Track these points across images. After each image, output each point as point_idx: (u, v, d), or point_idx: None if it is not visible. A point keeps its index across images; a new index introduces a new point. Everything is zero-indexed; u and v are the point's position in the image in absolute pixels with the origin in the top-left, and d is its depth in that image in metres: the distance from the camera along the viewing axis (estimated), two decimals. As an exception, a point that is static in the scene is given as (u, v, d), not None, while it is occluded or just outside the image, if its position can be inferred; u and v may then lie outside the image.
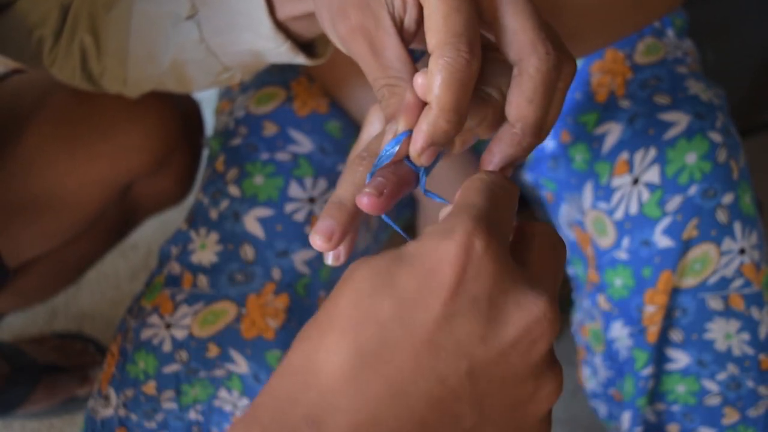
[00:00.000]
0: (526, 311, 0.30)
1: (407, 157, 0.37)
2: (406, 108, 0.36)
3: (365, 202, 0.36)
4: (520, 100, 0.37)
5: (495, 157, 0.38)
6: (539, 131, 0.38)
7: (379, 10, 0.38)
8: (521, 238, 0.35)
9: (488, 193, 0.33)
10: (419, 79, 0.36)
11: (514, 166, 0.39)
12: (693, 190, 0.65)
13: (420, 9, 0.37)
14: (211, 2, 0.53)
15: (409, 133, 0.37)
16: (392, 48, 0.37)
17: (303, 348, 0.30)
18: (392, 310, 0.29)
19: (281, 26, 0.52)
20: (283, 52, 0.53)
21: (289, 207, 0.71)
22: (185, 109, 0.84)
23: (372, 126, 0.45)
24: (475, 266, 0.29)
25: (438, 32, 0.34)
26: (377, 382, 0.29)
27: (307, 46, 0.55)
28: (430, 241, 0.30)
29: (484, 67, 0.39)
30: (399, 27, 0.38)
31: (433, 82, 0.34)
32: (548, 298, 0.30)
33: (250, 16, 0.51)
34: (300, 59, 0.54)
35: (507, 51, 0.37)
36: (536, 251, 0.34)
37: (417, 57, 0.38)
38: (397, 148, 0.37)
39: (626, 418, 0.73)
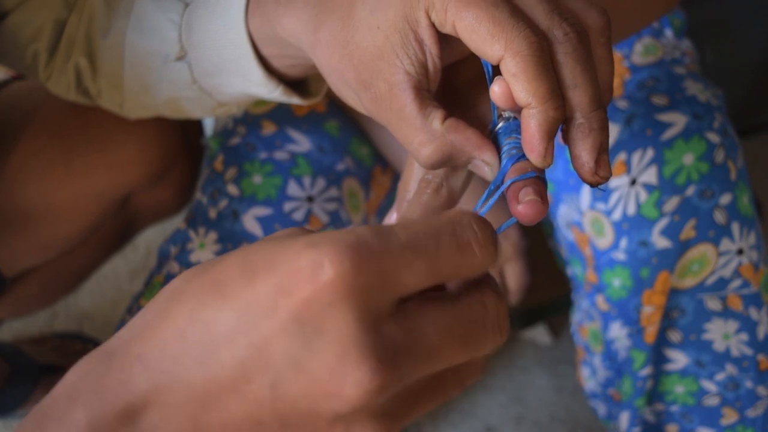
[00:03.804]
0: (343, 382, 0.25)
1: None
2: (479, 143, 0.36)
3: (532, 210, 0.34)
4: (565, 92, 0.35)
5: (581, 155, 0.36)
6: (598, 104, 0.36)
7: (389, 68, 0.37)
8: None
9: (429, 231, 0.27)
10: (496, 88, 0.35)
11: (606, 150, 0.36)
12: (690, 190, 0.65)
13: (440, 44, 0.37)
14: (200, 46, 0.53)
15: (521, 156, 0.35)
16: (410, 104, 0.36)
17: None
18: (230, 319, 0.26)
19: (273, 71, 0.51)
20: (276, 96, 0.52)
21: (287, 206, 0.71)
22: (184, 120, 0.84)
23: (414, 165, 0.43)
24: (312, 308, 0.25)
25: (496, 40, 0.33)
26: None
27: (300, 81, 0.54)
28: (303, 240, 0.26)
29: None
30: (422, 73, 0.37)
31: (519, 82, 0.33)
32: (378, 386, 0.25)
33: (240, 64, 0.51)
34: (294, 100, 0.53)
35: None
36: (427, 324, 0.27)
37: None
38: (510, 164, 0.35)
39: (625, 418, 0.73)
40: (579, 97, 0.35)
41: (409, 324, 0.26)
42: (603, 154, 0.36)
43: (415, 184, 0.40)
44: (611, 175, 0.36)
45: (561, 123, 0.35)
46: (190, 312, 0.27)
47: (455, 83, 0.41)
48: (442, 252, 0.27)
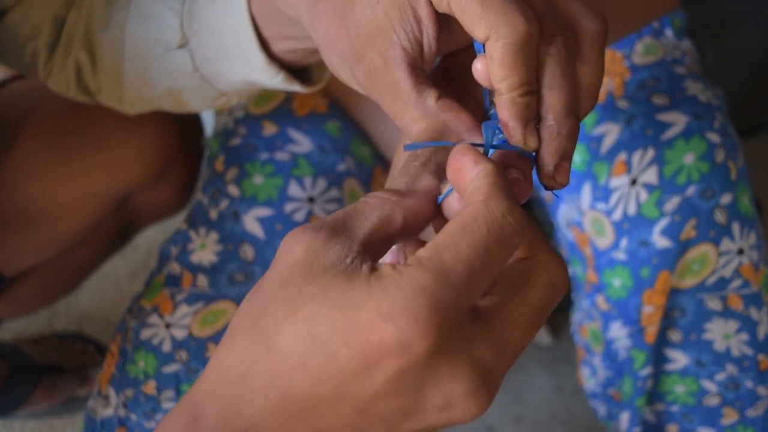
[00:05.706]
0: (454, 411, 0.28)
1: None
2: (471, 126, 0.36)
3: (516, 188, 0.34)
4: (542, 90, 0.35)
5: (543, 156, 0.36)
6: (571, 112, 0.36)
7: (386, 42, 0.36)
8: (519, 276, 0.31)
9: (479, 248, 0.29)
10: (478, 65, 0.35)
11: (569, 158, 0.36)
12: (691, 190, 0.65)
13: (438, 25, 0.37)
14: (202, 33, 0.53)
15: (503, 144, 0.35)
16: (404, 80, 0.36)
17: (241, 348, 0.29)
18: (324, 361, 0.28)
19: (275, 57, 0.51)
20: (277, 82, 0.52)
21: (288, 207, 0.71)
22: (184, 119, 0.84)
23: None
24: (409, 373, 0.27)
25: (484, 22, 0.33)
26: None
27: (302, 70, 0.54)
28: (372, 310, 0.27)
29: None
30: (417, 51, 0.37)
31: (495, 66, 0.34)
32: (488, 399, 0.28)
33: (241, 49, 0.51)
34: (296, 87, 0.53)
35: None
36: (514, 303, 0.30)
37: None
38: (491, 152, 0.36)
39: (625, 418, 0.73)
40: (553, 99, 0.35)
41: (495, 333, 0.29)
42: (565, 161, 0.36)
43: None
44: (568, 183, 0.37)
45: (533, 109, 0.35)
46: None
47: (454, 71, 0.41)
48: (495, 260, 0.29)
